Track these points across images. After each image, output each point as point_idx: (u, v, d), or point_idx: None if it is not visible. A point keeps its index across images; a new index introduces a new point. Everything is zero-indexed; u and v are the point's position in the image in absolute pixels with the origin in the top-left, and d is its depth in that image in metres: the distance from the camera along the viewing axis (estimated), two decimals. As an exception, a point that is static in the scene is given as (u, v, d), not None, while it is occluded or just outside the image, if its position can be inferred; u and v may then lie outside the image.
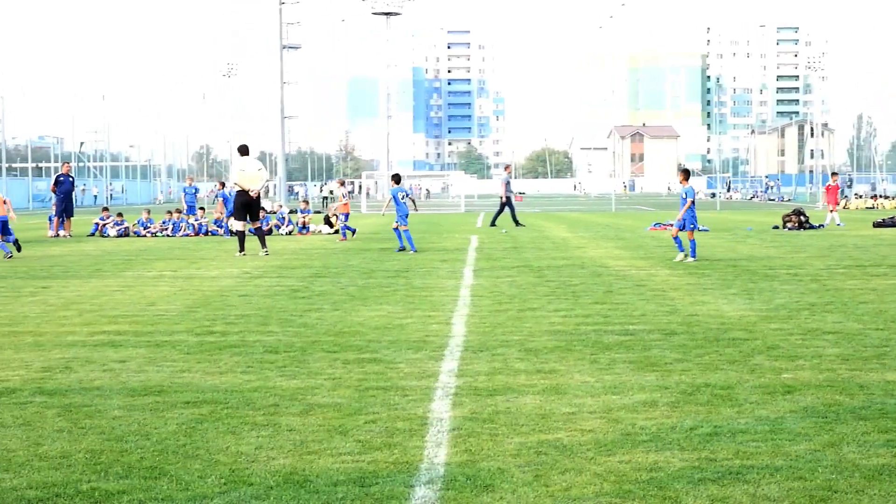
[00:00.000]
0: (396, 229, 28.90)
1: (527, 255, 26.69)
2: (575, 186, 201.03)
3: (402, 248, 28.58)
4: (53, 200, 40.74)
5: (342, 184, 40.57)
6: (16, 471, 7.01)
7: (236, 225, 28.05)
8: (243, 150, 28.42)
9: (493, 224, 44.72)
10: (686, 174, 25.57)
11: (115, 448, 7.55)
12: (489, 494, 6.41)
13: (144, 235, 38.95)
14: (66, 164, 42.23)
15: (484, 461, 7.14)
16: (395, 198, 29.14)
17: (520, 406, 8.79)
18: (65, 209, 39.65)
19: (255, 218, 28.17)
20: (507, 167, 50.10)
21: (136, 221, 40.14)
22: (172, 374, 10.34)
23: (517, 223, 44.09)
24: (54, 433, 8.01)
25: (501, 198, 45.50)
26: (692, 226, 24.17)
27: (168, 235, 38.96)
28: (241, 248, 27.38)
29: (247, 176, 27.75)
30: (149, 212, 41.95)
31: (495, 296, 17.18)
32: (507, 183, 45.98)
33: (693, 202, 24.19)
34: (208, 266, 24.18)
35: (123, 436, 7.90)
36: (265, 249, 27.42)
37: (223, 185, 41.12)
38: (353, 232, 36.37)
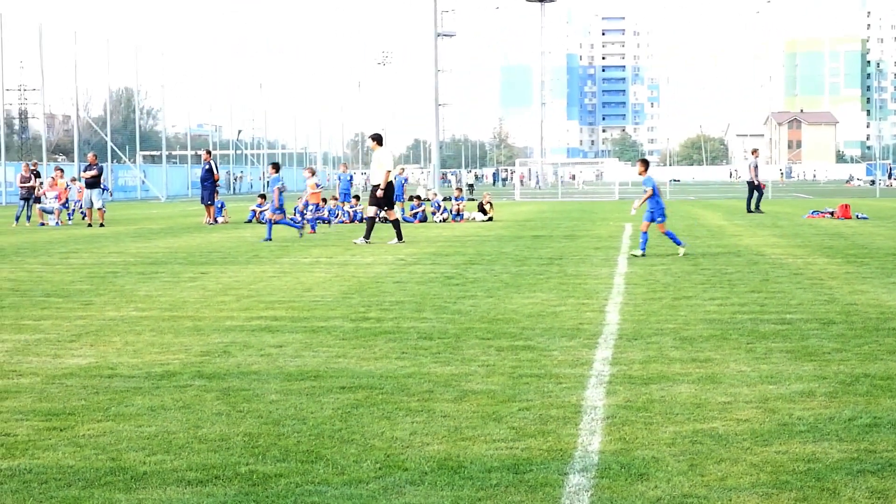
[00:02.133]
0: (270, 220, 29.05)
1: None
2: (731, 173, 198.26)
3: (269, 239, 28.46)
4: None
5: (312, 173, 39.41)
6: (176, 452, 7.15)
7: (397, 213, 28.07)
8: (381, 140, 28.30)
9: (749, 210, 44.42)
10: (645, 164, 23.35)
11: (273, 432, 7.66)
12: (643, 483, 6.35)
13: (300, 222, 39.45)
14: (205, 153, 43.04)
15: (638, 450, 7.08)
16: (277, 187, 29.46)
17: (674, 395, 8.70)
18: (202, 196, 40.63)
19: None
20: (754, 151, 49.36)
21: (293, 209, 40.75)
22: (328, 360, 10.46)
23: (758, 209, 43.97)
24: (213, 416, 8.16)
25: (754, 181, 45.30)
26: (661, 218, 22.54)
27: (323, 222, 39.40)
28: (400, 236, 27.44)
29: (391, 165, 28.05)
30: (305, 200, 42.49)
31: (649, 284, 17.03)
32: (756, 167, 45.80)
33: (654, 192, 22.44)
34: (363, 252, 24.40)
35: (280, 420, 8.01)
36: (367, 240, 27.40)
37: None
38: (316, 225, 34.97)
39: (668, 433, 7.48)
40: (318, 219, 36.01)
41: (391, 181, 27.82)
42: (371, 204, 28.02)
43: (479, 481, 6.43)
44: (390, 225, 28.26)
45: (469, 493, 6.23)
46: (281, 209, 29.59)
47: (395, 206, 29.96)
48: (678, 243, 22.64)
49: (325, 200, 42.14)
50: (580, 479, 6.47)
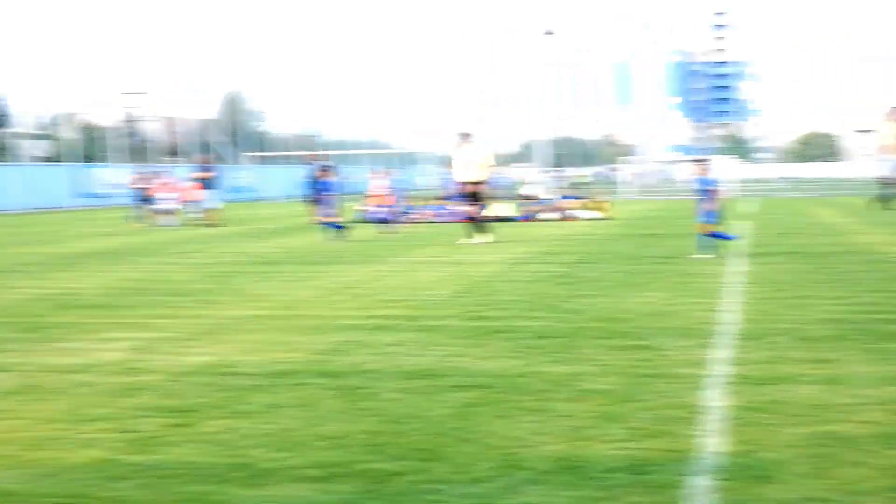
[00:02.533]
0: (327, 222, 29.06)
1: (800, 241, 26.03)
2: (846, 170, 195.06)
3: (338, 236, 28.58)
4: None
5: (379, 174, 38.61)
6: (296, 450, 7.22)
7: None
8: (471, 137, 28.18)
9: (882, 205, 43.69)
10: (704, 163, 22.44)
11: (390, 430, 7.70)
12: (766, 486, 6.27)
13: (410, 222, 39.62)
14: (314, 154, 43.34)
15: (760, 452, 6.99)
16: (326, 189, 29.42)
17: (796, 396, 8.57)
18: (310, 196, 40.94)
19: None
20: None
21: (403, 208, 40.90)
22: (443, 358, 10.49)
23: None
24: (332, 414, 8.23)
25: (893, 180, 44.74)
26: (714, 219, 21.81)
27: (434, 222, 39.52)
28: (475, 235, 27.40)
29: None
30: (414, 199, 42.67)
31: (767, 282, 16.81)
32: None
33: (710, 192, 21.68)
34: (474, 252, 24.42)
35: (398, 418, 8.05)
36: (479, 238, 27.34)
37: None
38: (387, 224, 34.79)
39: (790, 435, 7.38)
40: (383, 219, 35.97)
41: (480, 179, 27.68)
42: (468, 203, 28.01)
43: (599, 481, 6.41)
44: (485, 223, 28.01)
45: (589, 493, 6.22)
46: (332, 210, 29.70)
47: (493, 205, 29.82)
48: (728, 238, 22.34)
49: (436, 199, 42.23)
50: (701, 480, 6.41)
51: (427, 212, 40.92)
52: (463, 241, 27.22)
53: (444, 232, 33.19)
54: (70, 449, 7.39)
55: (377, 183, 36.79)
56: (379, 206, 36.05)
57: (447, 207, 41.24)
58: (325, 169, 31.66)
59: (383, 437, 7.52)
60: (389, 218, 35.91)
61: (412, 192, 63.27)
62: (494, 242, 26.99)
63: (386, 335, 12.00)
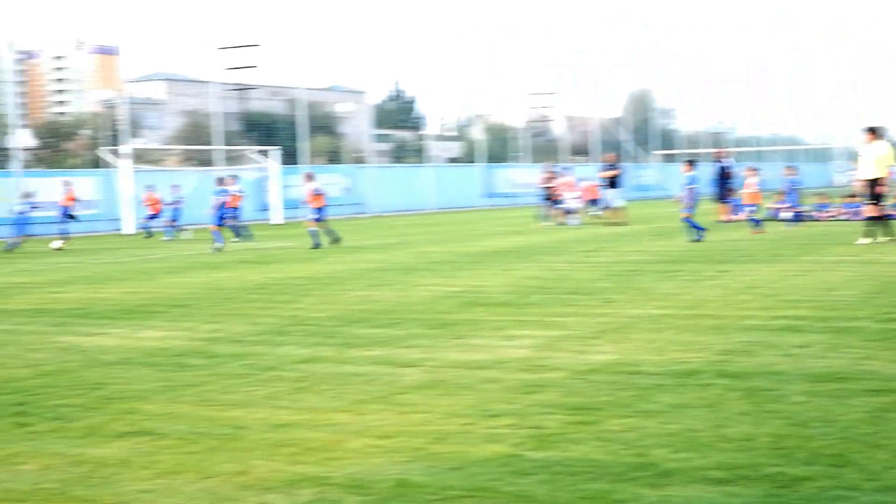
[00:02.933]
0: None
1: None
2: None
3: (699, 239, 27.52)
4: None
5: (751, 172, 35.71)
6: (701, 450, 7.12)
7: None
8: (880, 133, 26.83)
9: None
10: None
11: (798, 433, 7.47)
12: None
13: (820, 220, 38.46)
14: (719, 151, 42.74)
15: None
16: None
17: None
18: (715, 194, 40.42)
19: None
20: None
21: (812, 206, 39.80)
22: (854, 361, 10.08)
23: None
24: (737, 416, 8.06)
25: None
26: None
27: (848, 220, 38.16)
28: (875, 234, 26.15)
29: None
30: (825, 196, 41.44)
31: None
32: None
33: None
34: (888, 251, 23.38)
35: (806, 421, 7.80)
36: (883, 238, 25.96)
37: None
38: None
39: None
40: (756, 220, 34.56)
41: (878, 177, 26.36)
42: (870, 202, 26.79)
43: None
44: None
45: None
46: (691, 209, 28.95)
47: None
48: None
49: (849, 197, 40.75)
50: None
51: (836, 209, 39.60)
52: (861, 240, 26.08)
53: (854, 231, 32.02)
54: (475, 443, 7.57)
55: (750, 181, 35.80)
56: (751, 204, 34.95)
57: (858, 205, 39.73)
58: (690, 163, 31.15)
59: (790, 440, 7.30)
60: (757, 217, 34.91)
61: (821, 190, 61.48)
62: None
63: (793, 336, 11.67)
